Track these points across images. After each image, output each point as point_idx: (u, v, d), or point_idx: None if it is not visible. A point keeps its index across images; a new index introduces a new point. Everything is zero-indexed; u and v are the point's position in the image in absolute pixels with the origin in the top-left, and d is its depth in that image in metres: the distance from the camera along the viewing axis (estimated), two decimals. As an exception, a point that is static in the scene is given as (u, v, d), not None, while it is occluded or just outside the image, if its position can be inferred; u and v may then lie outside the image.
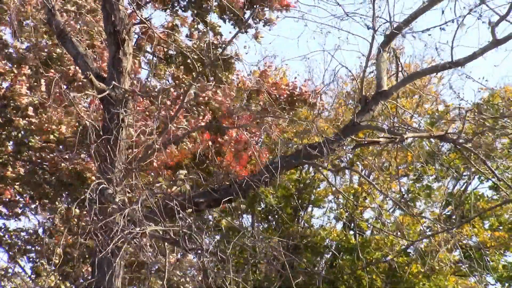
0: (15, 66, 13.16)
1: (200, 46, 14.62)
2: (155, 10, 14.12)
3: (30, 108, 12.92)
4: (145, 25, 13.88)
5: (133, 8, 11.19)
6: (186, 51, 14.03)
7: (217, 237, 16.38)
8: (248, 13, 15.30)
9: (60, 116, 13.01)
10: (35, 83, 13.23)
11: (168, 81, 15.15)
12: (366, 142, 12.26)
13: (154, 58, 14.77)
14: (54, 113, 12.92)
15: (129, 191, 9.50)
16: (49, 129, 12.98)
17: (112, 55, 9.85)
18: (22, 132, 13.25)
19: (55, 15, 9.87)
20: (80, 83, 13.35)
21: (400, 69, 10.51)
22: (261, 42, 15.40)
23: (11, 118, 12.94)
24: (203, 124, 13.41)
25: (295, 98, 14.89)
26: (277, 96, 14.66)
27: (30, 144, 13.24)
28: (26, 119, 12.94)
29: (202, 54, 14.06)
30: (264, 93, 14.09)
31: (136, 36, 14.59)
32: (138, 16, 12.16)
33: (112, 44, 9.80)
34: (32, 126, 12.96)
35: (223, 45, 14.70)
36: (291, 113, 14.66)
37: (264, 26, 15.48)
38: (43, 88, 13.07)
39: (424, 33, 10.19)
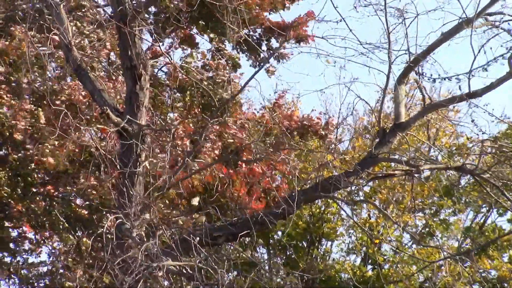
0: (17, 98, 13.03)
1: (214, 78, 14.60)
2: (176, 48, 14.19)
3: (28, 141, 12.85)
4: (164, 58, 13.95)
5: (155, 37, 11.17)
6: (200, 84, 14.03)
7: (235, 272, 16.29)
8: (264, 45, 15.36)
9: (56, 147, 12.83)
10: (34, 118, 13.09)
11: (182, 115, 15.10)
12: (381, 175, 12.12)
13: (171, 92, 14.78)
14: (50, 144, 12.75)
15: (147, 225, 9.44)
16: (39, 162, 12.88)
17: (129, 89, 9.85)
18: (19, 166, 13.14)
19: (71, 50, 9.90)
20: (87, 116, 13.28)
21: (426, 102, 10.49)
22: (274, 75, 15.46)
23: (8, 153, 12.88)
24: (215, 157, 13.33)
25: (306, 130, 14.84)
26: (288, 127, 14.59)
27: (29, 178, 13.15)
28: (22, 152, 12.86)
29: (215, 88, 14.06)
30: (278, 124, 14.01)
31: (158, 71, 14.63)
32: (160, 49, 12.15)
33: (129, 78, 9.82)
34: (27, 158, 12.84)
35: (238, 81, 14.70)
36: (302, 144, 14.58)
37: (278, 62, 15.56)
38: (42, 120, 12.95)
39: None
